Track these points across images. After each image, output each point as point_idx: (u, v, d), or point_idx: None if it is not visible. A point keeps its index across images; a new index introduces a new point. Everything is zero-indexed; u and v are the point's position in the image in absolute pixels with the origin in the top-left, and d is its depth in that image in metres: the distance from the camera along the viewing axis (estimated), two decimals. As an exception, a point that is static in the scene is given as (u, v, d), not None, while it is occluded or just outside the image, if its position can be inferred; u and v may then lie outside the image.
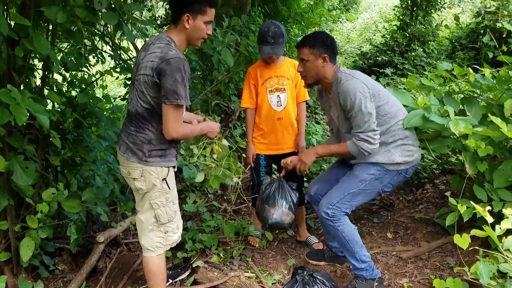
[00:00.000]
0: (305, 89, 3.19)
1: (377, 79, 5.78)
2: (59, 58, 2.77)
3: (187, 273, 2.94)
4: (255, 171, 3.25)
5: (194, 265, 2.91)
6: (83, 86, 3.22)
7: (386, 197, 3.89)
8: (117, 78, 4.39)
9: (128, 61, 3.61)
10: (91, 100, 3.12)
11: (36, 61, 2.81)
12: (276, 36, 2.95)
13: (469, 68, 3.14)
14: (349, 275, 2.87)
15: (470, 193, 2.77)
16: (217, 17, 5.27)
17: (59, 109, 3.00)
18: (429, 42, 9.29)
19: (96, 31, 3.31)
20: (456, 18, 9.43)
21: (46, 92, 2.76)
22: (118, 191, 3.57)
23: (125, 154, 2.24)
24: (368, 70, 8.62)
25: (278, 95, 3.11)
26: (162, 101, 2.07)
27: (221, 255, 3.10)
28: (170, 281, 2.83)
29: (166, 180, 2.26)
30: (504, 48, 5.04)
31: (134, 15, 2.83)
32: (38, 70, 2.80)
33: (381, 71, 7.49)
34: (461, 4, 11.81)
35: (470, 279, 2.14)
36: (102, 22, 3.12)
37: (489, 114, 2.55)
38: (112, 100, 3.71)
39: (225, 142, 2.53)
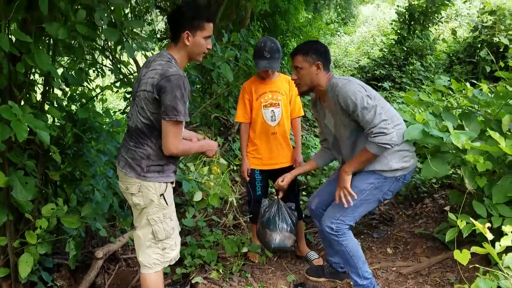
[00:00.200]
0: (300, 105, 3.25)
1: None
2: (59, 73, 2.78)
3: (186, 289, 2.92)
4: (251, 186, 3.26)
5: (193, 281, 2.90)
6: (83, 100, 3.23)
7: (386, 211, 3.89)
8: (117, 91, 4.41)
9: (128, 76, 3.63)
10: (91, 113, 3.13)
11: (36, 76, 2.82)
12: (273, 51, 2.99)
13: (467, 83, 3.16)
14: (349, 291, 2.86)
15: (469, 208, 2.77)
16: (216, 32, 5.32)
17: (59, 124, 3.01)
18: (427, 56, 9.37)
19: (96, 45, 3.34)
20: (454, 32, 9.53)
21: (46, 107, 2.77)
22: (117, 205, 3.56)
23: (124, 169, 2.25)
24: (366, 83, 8.64)
25: (272, 110, 3.14)
26: (162, 117, 2.09)
27: (221, 271, 3.09)
28: (169, 297, 2.81)
29: (164, 196, 2.25)
30: (501, 63, 5.08)
31: (134, 30, 2.86)
32: (38, 85, 2.81)
33: (379, 84, 7.54)
34: (458, 19, 11.92)
35: (470, 296, 2.13)
36: (103, 37, 3.14)
37: (487, 129, 2.56)
38: (112, 114, 3.72)
39: (222, 161, 2.53)
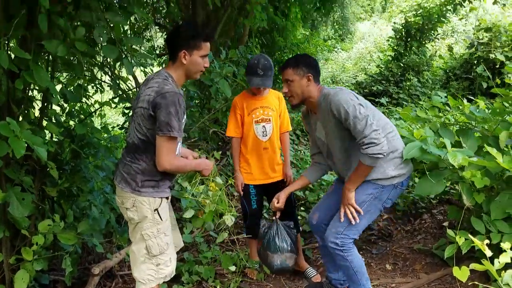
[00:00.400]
0: (288, 120, 3.30)
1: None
2: (58, 89, 2.79)
3: (183, 306, 2.90)
4: (246, 200, 3.25)
5: (190, 298, 2.87)
6: (82, 116, 3.23)
7: (384, 227, 3.88)
8: (116, 107, 4.43)
9: (127, 91, 3.65)
10: (89, 129, 3.14)
11: (35, 93, 2.83)
12: (266, 68, 3.02)
13: (464, 99, 3.18)
14: (348, 308, 2.83)
15: (468, 224, 2.76)
16: (215, 48, 5.36)
17: (57, 139, 3.01)
18: (424, 72, 9.45)
19: (95, 62, 3.36)
20: (450, 48, 9.63)
21: (44, 123, 2.77)
22: (114, 221, 3.54)
23: (120, 184, 2.28)
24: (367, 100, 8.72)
25: (263, 126, 3.17)
26: (156, 132, 2.13)
27: (218, 287, 3.06)
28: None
29: (158, 211, 2.26)
30: (498, 80, 5.13)
31: (133, 47, 2.88)
32: (37, 102, 2.82)
33: (376, 100, 7.59)
34: (454, 35, 12.05)
35: (470, 313, 2.11)
36: (102, 54, 3.17)
37: (485, 145, 2.57)
38: (110, 130, 3.72)
39: (218, 180, 2.53)
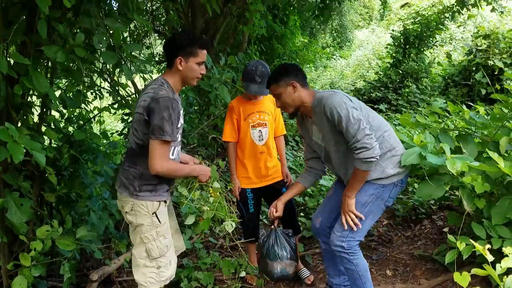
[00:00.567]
0: (283, 123, 3.36)
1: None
2: (57, 95, 2.79)
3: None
4: (243, 204, 3.26)
5: (189, 305, 2.85)
6: (81, 122, 3.23)
7: (385, 233, 3.86)
8: (115, 113, 4.43)
9: (126, 97, 3.65)
10: (88, 135, 3.13)
11: (34, 98, 2.83)
12: (263, 75, 3.03)
13: (463, 105, 3.18)
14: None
15: (468, 230, 2.75)
16: (214, 55, 5.37)
17: (55, 145, 3.00)
18: (422, 79, 9.48)
19: (95, 68, 3.36)
20: (448, 55, 9.66)
21: (43, 128, 2.77)
22: (113, 227, 3.52)
23: (119, 188, 2.33)
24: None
25: (260, 130, 3.19)
26: (150, 136, 2.17)
27: (218, 294, 3.04)
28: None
29: (156, 214, 2.29)
30: (498, 86, 5.14)
31: (133, 53, 2.88)
32: (36, 107, 2.82)
33: (375, 106, 7.59)
34: (452, 42, 12.11)
35: (472, 319, 2.10)
36: (102, 60, 3.17)
37: (486, 150, 2.57)
38: (109, 136, 3.72)
39: (216, 184, 2.53)
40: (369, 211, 2.53)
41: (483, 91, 7.79)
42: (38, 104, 2.81)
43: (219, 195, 2.51)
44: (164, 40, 7.04)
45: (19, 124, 2.55)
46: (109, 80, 3.66)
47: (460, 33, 12.23)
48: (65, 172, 3.06)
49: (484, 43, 8.12)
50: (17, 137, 2.12)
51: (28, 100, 2.66)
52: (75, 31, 2.78)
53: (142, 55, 6.24)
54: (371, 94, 9.50)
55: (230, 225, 2.53)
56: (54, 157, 2.84)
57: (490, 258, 2.00)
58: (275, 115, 3.29)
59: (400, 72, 9.47)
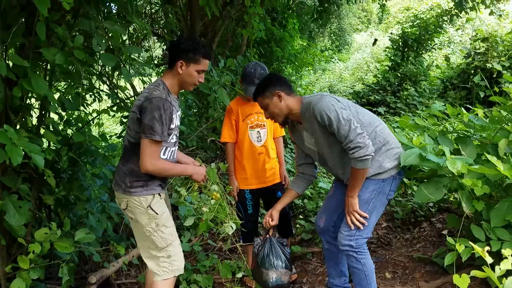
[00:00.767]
0: None
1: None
2: (56, 97, 2.79)
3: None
4: (242, 205, 3.26)
5: (188, 308, 2.84)
6: (80, 124, 3.23)
7: (384, 235, 3.86)
8: (114, 116, 4.43)
9: (125, 100, 3.65)
10: (87, 137, 3.13)
11: (33, 101, 2.82)
12: (262, 77, 3.03)
13: (462, 108, 3.19)
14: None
15: (467, 232, 2.75)
16: (213, 57, 5.37)
17: (54, 147, 2.99)
18: (421, 82, 9.49)
19: (94, 70, 3.36)
20: (447, 58, 9.68)
21: (42, 131, 2.77)
22: (111, 230, 3.51)
23: (114, 186, 2.42)
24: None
25: (258, 131, 3.21)
26: (140, 135, 2.23)
27: (216, 296, 3.03)
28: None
29: (151, 207, 2.33)
30: (496, 88, 5.15)
31: (132, 56, 2.88)
32: (35, 110, 2.81)
33: (374, 109, 7.60)
34: (451, 46, 12.13)
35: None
36: (100, 63, 3.17)
37: (484, 153, 2.57)
38: (108, 138, 3.71)
39: (214, 187, 2.53)
40: (372, 207, 2.55)
41: (482, 94, 7.81)
42: (37, 106, 2.81)
43: (220, 197, 2.51)
44: (164, 43, 7.06)
45: (18, 127, 2.56)
46: (108, 82, 3.66)
47: (459, 36, 12.25)
48: (64, 174, 3.06)
49: (483, 46, 8.14)
50: (15, 140, 2.12)
51: (27, 102, 2.66)
52: (74, 33, 2.79)
53: (141, 58, 6.25)
54: (370, 97, 9.51)
55: (230, 227, 2.54)
56: (52, 159, 2.84)
57: (489, 260, 2.00)
58: None
59: (399, 75, 9.48)
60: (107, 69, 3.49)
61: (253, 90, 3.05)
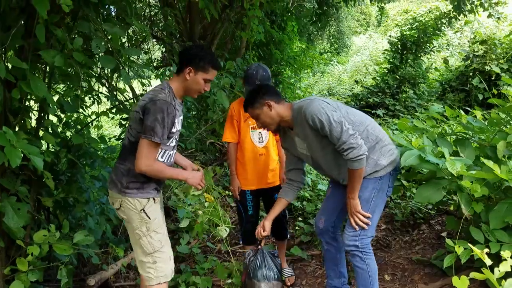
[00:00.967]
0: None
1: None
2: (55, 99, 2.79)
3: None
4: (242, 206, 3.26)
5: (187, 310, 2.83)
6: (79, 127, 3.23)
7: (383, 237, 3.86)
8: (113, 118, 4.43)
9: (124, 102, 3.64)
10: (86, 139, 3.13)
11: (32, 103, 2.83)
12: (264, 79, 3.05)
13: (461, 110, 3.19)
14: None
15: (466, 234, 2.75)
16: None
17: (53, 150, 2.99)
18: (420, 84, 9.50)
19: (93, 73, 3.36)
20: (445, 61, 9.70)
21: (41, 133, 2.77)
22: (110, 232, 3.51)
23: (109, 185, 2.40)
24: (360, 111, 8.76)
25: (259, 132, 3.20)
26: (140, 135, 2.22)
27: (215, 299, 3.03)
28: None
29: (144, 210, 2.32)
30: (495, 91, 5.16)
31: (131, 58, 2.89)
32: (34, 112, 2.81)
33: (373, 112, 7.61)
34: (449, 48, 12.16)
35: (470, 324, 2.09)
36: (100, 65, 3.17)
37: (481, 157, 2.57)
38: (107, 140, 3.71)
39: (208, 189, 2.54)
40: (374, 206, 2.56)
41: (480, 96, 7.82)
42: (36, 108, 2.80)
43: (213, 200, 2.52)
44: (163, 45, 7.06)
45: (17, 129, 2.55)
46: (107, 85, 3.66)
47: (457, 38, 12.30)
48: (63, 176, 3.06)
49: (481, 49, 8.15)
50: (14, 142, 2.12)
51: (26, 104, 2.66)
52: (73, 35, 2.79)
53: (140, 60, 6.25)
54: (369, 100, 9.52)
55: (224, 230, 2.55)
56: (51, 161, 2.83)
57: (488, 262, 2.01)
58: None
59: (398, 77, 9.50)
60: (106, 71, 3.49)
61: None
